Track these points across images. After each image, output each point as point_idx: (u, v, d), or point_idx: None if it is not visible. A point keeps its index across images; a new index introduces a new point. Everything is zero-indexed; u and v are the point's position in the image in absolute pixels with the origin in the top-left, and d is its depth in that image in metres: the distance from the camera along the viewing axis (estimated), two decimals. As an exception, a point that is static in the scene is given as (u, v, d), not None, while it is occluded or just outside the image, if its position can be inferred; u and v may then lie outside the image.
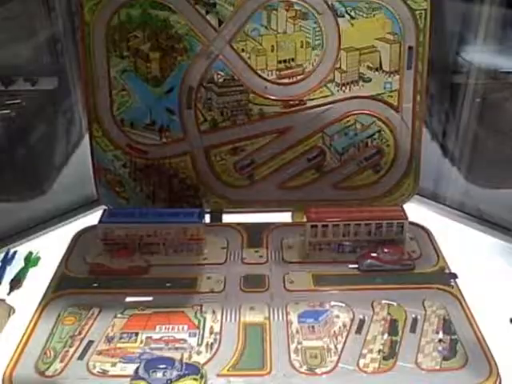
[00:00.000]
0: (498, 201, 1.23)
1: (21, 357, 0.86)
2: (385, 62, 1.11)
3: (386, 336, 0.91)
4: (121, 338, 0.90)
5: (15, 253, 1.14)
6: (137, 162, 1.17)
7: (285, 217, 1.20)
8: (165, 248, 1.09)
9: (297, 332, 0.91)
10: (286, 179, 1.19)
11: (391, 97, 1.13)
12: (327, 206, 1.13)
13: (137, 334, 0.91)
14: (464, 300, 0.97)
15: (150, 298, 0.99)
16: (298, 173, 1.19)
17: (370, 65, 1.12)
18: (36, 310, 0.96)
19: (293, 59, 1.11)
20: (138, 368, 0.81)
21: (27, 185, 1.23)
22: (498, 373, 0.83)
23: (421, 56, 1.10)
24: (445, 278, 1.03)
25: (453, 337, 0.90)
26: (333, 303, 0.97)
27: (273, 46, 1.10)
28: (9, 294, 1.03)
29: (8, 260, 1.11)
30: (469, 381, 0.83)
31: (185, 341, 0.90)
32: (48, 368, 0.85)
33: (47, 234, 1.21)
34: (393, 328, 0.92)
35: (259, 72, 1.12)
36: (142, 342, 0.90)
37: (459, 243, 1.14)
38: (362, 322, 0.93)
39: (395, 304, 0.97)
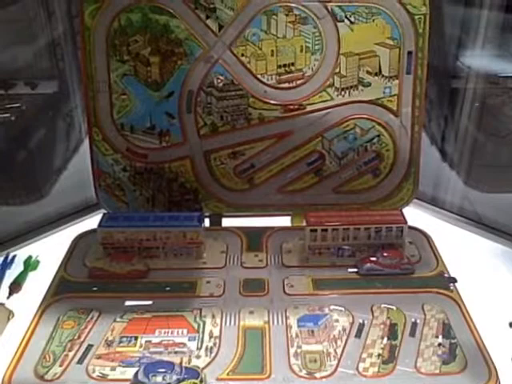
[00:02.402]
0: (497, 205, 1.23)
1: (20, 361, 0.86)
2: (384, 66, 1.12)
3: (385, 340, 0.91)
4: (120, 342, 0.90)
5: (14, 256, 1.13)
6: (136, 166, 1.17)
7: (284, 221, 1.20)
8: (164, 252, 1.10)
9: (296, 336, 0.91)
10: (285, 183, 1.19)
11: (390, 101, 1.14)
12: (327, 210, 1.13)
13: (136, 338, 0.91)
14: (463, 304, 0.97)
15: (150, 302, 0.99)
16: (297, 177, 1.19)
17: (370, 69, 1.12)
18: (35, 314, 0.95)
19: (292, 64, 1.12)
20: (137, 372, 0.81)
21: (27, 188, 1.23)
22: (498, 377, 0.83)
23: (420, 61, 1.10)
24: (444, 282, 1.03)
25: (452, 341, 0.90)
26: (332, 307, 0.97)
27: (272, 51, 1.11)
28: (8, 297, 1.03)
29: (7, 264, 1.11)
30: (468, 385, 0.83)
31: (184, 345, 0.90)
32: (47, 372, 0.85)
33: (47, 237, 1.21)
34: (392, 332, 0.92)
35: (259, 76, 1.12)
36: (141, 345, 0.89)
37: (458, 247, 1.14)
38: (361, 326, 0.93)
39: (395, 308, 0.97)
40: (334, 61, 1.11)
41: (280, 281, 1.04)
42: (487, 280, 1.05)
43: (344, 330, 0.93)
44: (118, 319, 0.95)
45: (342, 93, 1.13)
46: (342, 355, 0.88)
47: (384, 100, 1.14)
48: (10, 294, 1.03)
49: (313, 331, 0.92)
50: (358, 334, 0.92)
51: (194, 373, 0.82)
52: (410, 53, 1.11)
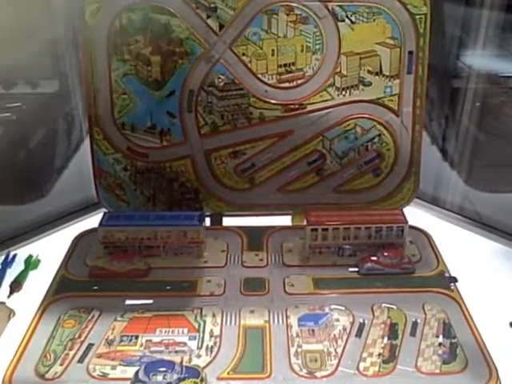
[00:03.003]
0: (498, 205, 1.23)
1: (21, 360, 0.86)
2: (385, 66, 1.12)
3: (385, 339, 0.91)
4: (121, 341, 0.90)
5: (15, 255, 1.13)
6: (137, 166, 1.17)
7: (285, 220, 1.20)
8: (165, 251, 1.10)
9: (297, 335, 0.91)
10: (286, 183, 1.19)
11: (391, 101, 1.14)
12: (327, 209, 1.13)
13: (137, 337, 0.91)
14: (464, 304, 0.97)
15: (150, 301, 0.99)
16: (298, 176, 1.19)
17: (370, 69, 1.12)
18: (36, 313, 0.96)
19: (293, 63, 1.12)
20: (138, 371, 0.81)
21: (28, 187, 1.23)
22: (498, 376, 0.83)
23: (421, 60, 1.10)
24: (445, 282, 1.03)
25: (453, 340, 0.90)
26: (333, 307, 0.97)
27: (273, 50, 1.11)
28: (9, 296, 1.03)
29: (8, 263, 1.11)
30: (469, 384, 0.83)
31: (185, 344, 0.90)
32: (48, 371, 0.85)
33: (47, 236, 1.21)
34: (393, 332, 0.92)
35: (260, 76, 1.12)
36: (142, 345, 0.90)
37: (459, 247, 1.14)
38: (361, 326, 0.93)
39: (395, 308, 0.97)
40: (335, 60, 1.11)
41: (280, 280, 1.04)
42: (488, 280, 1.05)
43: (344, 329, 0.93)
44: (119, 318, 0.95)
45: (343, 92, 1.13)
46: (342, 354, 0.88)
47: (385, 99, 1.14)
48: (11, 292, 1.04)
49: (313, 330, 0.92)
50: (359, 334, 0.92)
51: (194, 372, 0.82)
52: (410, 52, 1.11)
